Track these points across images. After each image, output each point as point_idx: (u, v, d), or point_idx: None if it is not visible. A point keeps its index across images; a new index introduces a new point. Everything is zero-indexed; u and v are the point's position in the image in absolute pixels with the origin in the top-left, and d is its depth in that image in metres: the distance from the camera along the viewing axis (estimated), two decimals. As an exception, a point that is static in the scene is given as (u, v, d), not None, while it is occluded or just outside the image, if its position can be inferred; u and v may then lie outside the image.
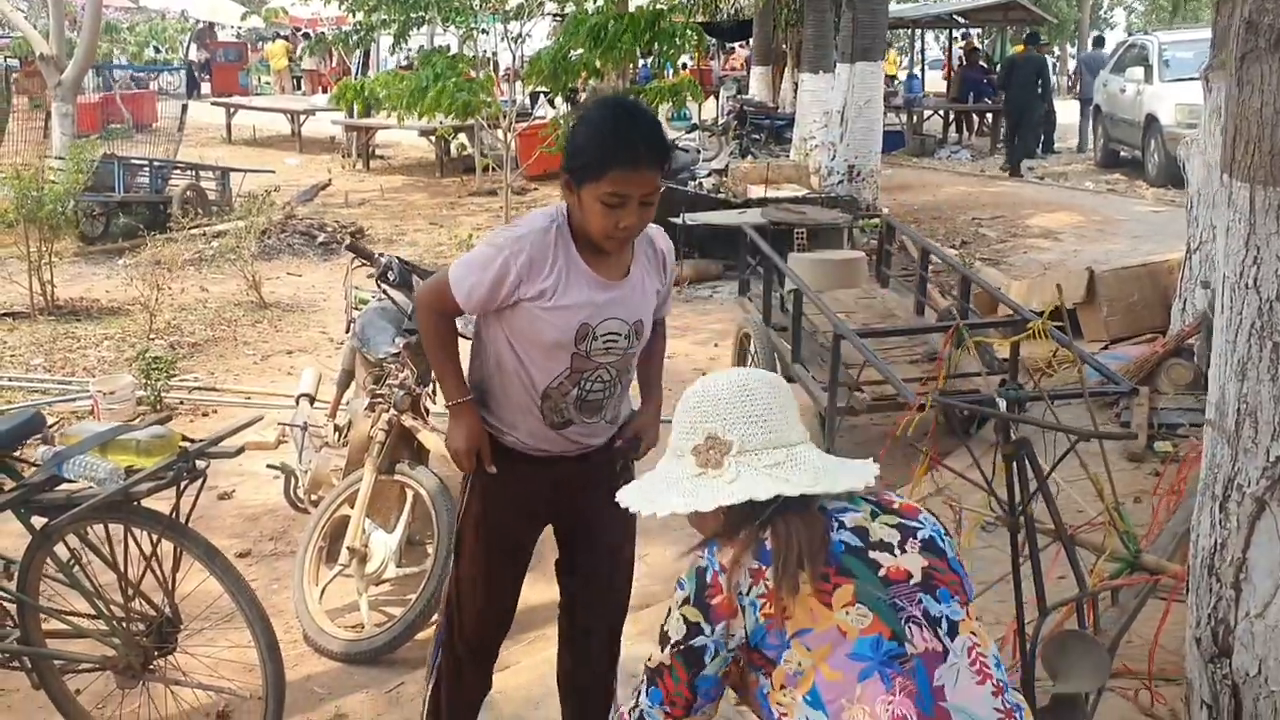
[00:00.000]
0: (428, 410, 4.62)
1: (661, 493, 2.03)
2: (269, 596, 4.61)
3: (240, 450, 3.39)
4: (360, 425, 4.69)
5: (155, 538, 3.28)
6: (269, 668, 3.33)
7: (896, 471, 4.80)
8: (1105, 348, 6.95)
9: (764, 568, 1.86)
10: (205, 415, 7.01)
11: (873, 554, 1.91)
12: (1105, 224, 12.12)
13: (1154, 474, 5.05)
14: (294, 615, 4.45)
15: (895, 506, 2.01)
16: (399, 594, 4.73)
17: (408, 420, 4.48)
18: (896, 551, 1.92)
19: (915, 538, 1.96)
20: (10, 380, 7.45)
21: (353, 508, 4.47)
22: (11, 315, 9.07)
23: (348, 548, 4.36)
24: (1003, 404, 3.02)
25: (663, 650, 1.93)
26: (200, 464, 3.24)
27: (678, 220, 9.52)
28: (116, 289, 9.86)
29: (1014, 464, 2.59)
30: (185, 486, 3.23)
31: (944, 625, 1.88)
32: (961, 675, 1.84)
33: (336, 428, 5.37)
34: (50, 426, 4.03)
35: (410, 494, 4.46)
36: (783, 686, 1.85)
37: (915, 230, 8.47)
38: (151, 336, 8.35)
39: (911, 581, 1.90)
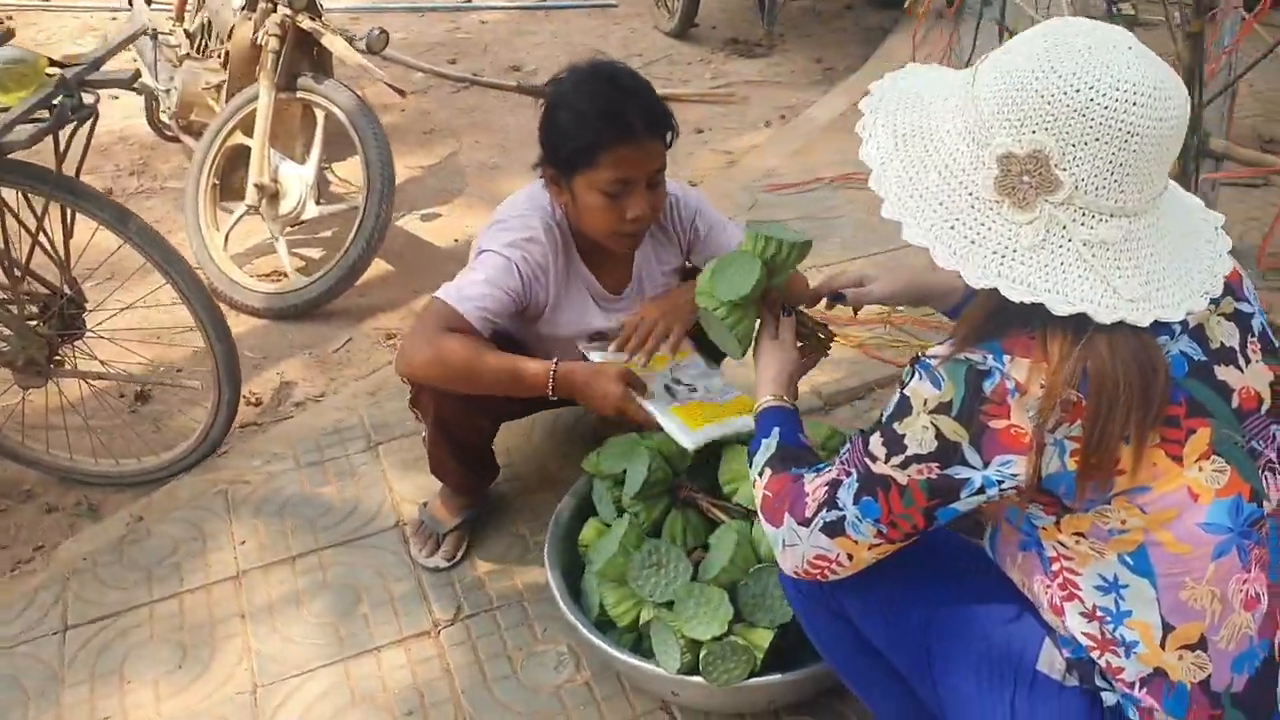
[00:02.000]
0: (322, 6, 3.71)
1: (920, 203, 1.31)
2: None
3: (135, 78, 2.54)
4: (241, 30, 3.75)
5: (42, 201, 2.48)
6: (218, 348, 2.70)
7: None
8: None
9: (1084, 401, 1.27)
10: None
11: (1219, 372, 1.35)
12: None
13: None
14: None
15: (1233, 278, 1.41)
16: (322, 237, 4.05)
17: (305, 21, 3.58)
18: (1241, 361, 1.37)
19: (1253, 332, 1.40)
20: None
21: (248, 136, 3.66)
22: None
23: (255, 185, 3.59)
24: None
25: (889, 458, 1.37)
26: (88, 98, 2.40)
27: None
28: None
29: None
30: (75, 130, 2.41)
31: None
32: None
33: (187, 34, 4.37)
34: None
35: (320, 114, 3.65)
36: (1080, 534, 1.37)
37: None
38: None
39: (1262, 408, 1.37)
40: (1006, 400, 1.28)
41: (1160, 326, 1.30)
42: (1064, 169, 1.24)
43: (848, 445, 1.47)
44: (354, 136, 3.54)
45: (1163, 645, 1.35)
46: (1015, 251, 1.27)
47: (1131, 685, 1.38)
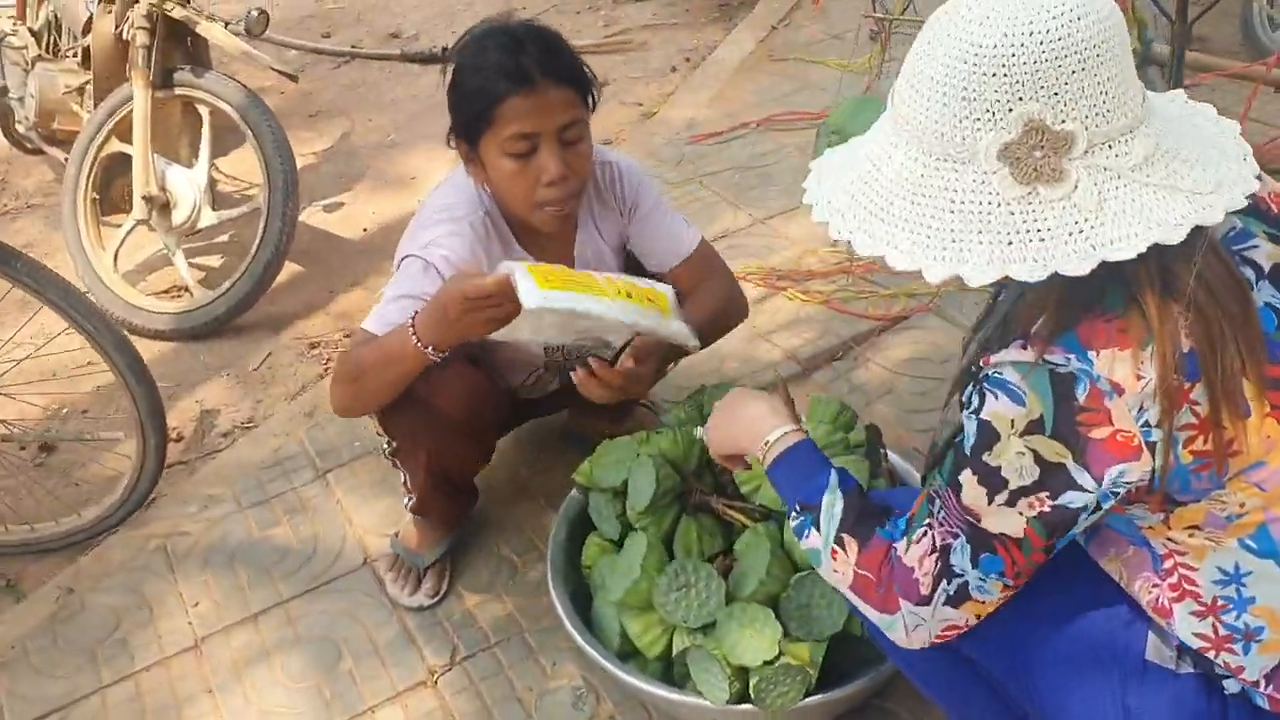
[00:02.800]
0: (190, -11, 3.35)
1: (963, 248, 1.14)
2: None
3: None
4: (102, 24, 3.37)
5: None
6: (138, 391, 2.39)
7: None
8: None
9: (1187, 384, 1.13)
10: None
11: None
12: None
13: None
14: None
15: (1270, 200, 1.28)
16: (219, 243, 3.71)
17: (175, 10, 3.22)
18: None
19: None
20: None
21: (126, 142, 3.30)
22: None
23: (142, 197, 3.24)
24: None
25: (991, 498, 1.20)
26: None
27: None
28: None
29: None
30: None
31: None
32: None
33: (33, 32, 3.95)
34: None
35: (205, 111, 3.31)
36: (1194, 527, 1.22)
37: None
38: None
39: None
40: (1104, 405, 1.13)
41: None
42: (1064, 120, 1.11)
43: (935, 500, 1.29)
44: (247, 132, 3.22)
45: None
46: (1088, 220, 1.12)
47: (1255, 683, 1.25)
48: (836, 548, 1.39)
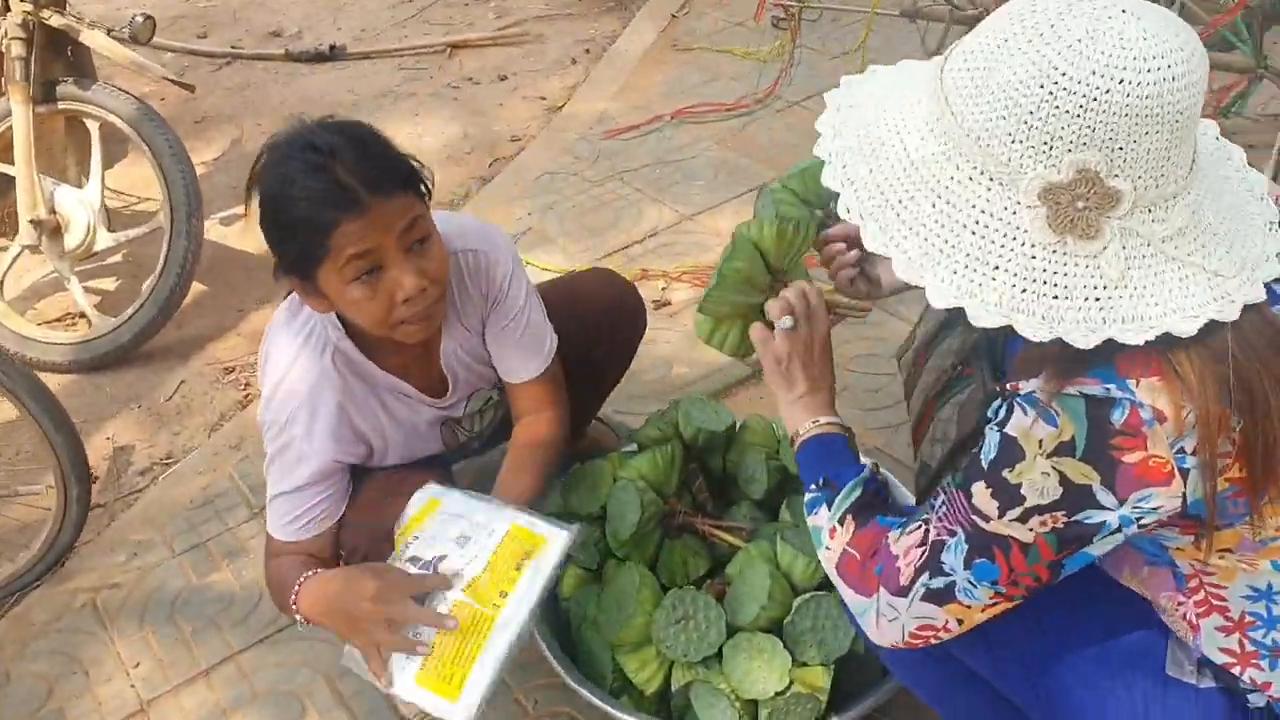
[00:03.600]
0: (66, -4, 3.12)
1: (972, 275, 1.09)
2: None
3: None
4: (-30, 37, 3.11)
5: None
6: (57, 440, 2.21)
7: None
8: None
9: (1228, 410, 1.09)
10: None
11: None
12: None
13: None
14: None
15: None
16: (113, 265, 3.48)
17: (53, 17, 3.00)
18: None
19: None
20: None
21: (6, 163, 3.06)
22: None
23: (30, 221, 3.01)
24: None
25: (1004, 512, 1.16)
26: None
27: None
28: None
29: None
30: None
31: None
32: None
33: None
34: None
35: (93, 126, 3.09)
36: (1225, 550, 1.19)
37: None
38: None
39: None
40: (1142, 430, 1.09)
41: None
42: (1118, 176, 1.05)
43: (941, 498, 1.24)
44: (142, 146, 3.02)
45: None
46: (1107, 289, 1.07)
47: None
48: (837, 525, 1.36)
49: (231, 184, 3.97)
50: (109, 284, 3.42)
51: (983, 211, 1.09)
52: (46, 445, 2.22)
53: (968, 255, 1.10)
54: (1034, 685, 1.38)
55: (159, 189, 3.03)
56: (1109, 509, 1.12)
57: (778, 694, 1.63)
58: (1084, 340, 1.06)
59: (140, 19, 3.14)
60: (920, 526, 1.26)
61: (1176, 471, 1.11)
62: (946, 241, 1.11)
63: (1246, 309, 1.11)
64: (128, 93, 3.07)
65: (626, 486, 1.84)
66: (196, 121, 4.42)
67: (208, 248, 3.52)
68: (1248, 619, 1.23)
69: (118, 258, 3.49)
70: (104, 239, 3.11)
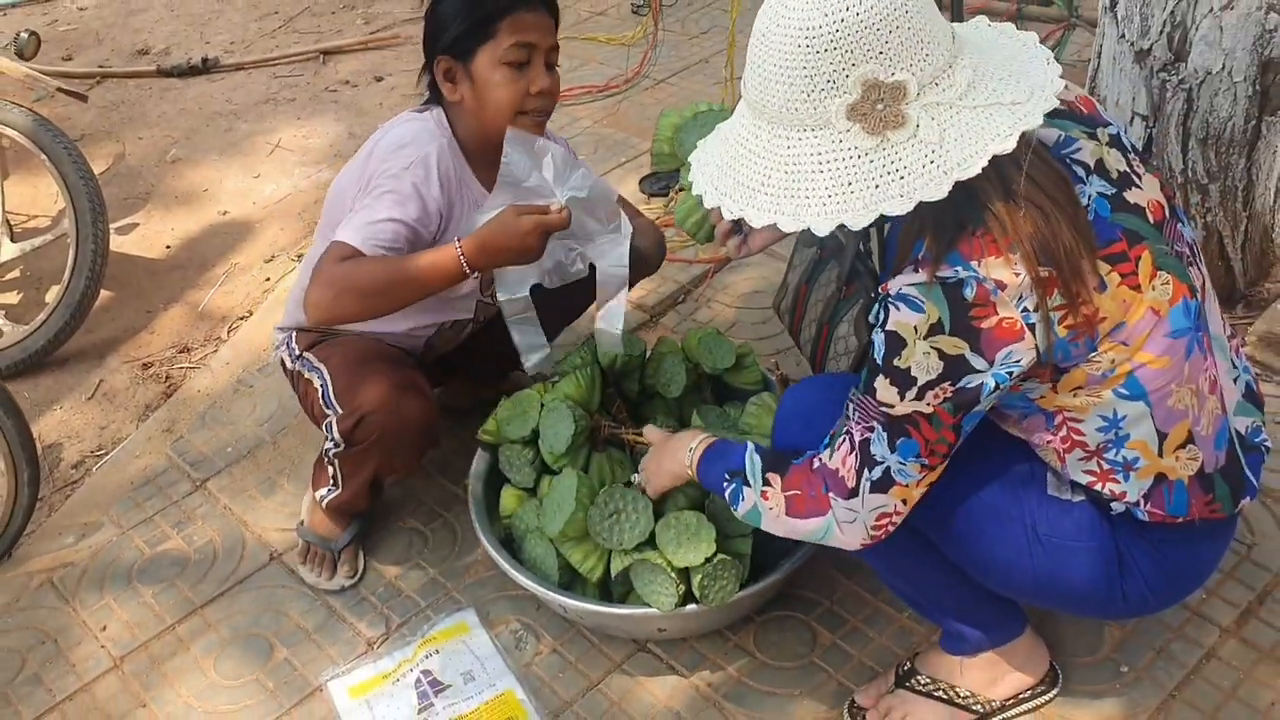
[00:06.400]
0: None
1: (840, 200, 1.33)
2: None
3: None
4: None
5: None
6: (5, 423, 2.32)
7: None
8: None
9: (1053, 273, 1.37)
10: None
11: (1130, 196, 1.46)
12: None
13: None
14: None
15: (1078, 104, 1.53)
16: (12, 279, 3.54)
17: (-58, 37, 3.07)
18: (1136, 180, 1.48)
19: (1126, 149, 1.52)
20: None
21: (-97, 181, 3.12)
22: None
23: (-66, 236, 3.08)
24: None
25: (904, 394, 1.41)
26: None
27: None
28: None
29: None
30: None
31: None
32: (1209, 299, 1.56)
33: None
34: None
35: (-11, 140, 3.17)
36: (1078, 388, 1.47)
37: None
38: None
39: (1166, 214, 1.49)
40: (990, 299, 1.36)
41: (1072, 173, 1.43)
42: (894, 72, 1.31)
43: (851, 406, 1.49)
44: (42, 157, 3.11)
45: (1160, 453, 1.50)
46: (935, 150, 1.31)
47: (1135, 504, 1.53)
48: (766, 488, 1.59)
49: (122, 196, 4.04)
50: (12, 297, 3.48)
51: (820, 155, 1.34)
52: (-5, 433, 2.32)
53: (825, 188, 1.34)
54: (950, 528, 1.64)
55: (61, 196, 3.12)
56: (981, 371, 1.38)
57: (707, 560, 1.87)
58: (938, 192, 1.30)
59: (25, 35, 3.23)
60: (844, 439, 1.50)
61: (1025, 327, 1.37)
62: (807, 189, 1.35)
63: (1034, 158, 1.37)
64: (21, 106, 3.15)
65: (558, 406, 2.06)
66: (76, 140, 4.46)
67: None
68: (1102, 446, 1.51)
69: (15, 272, 3.55)
70: (8, 250, 3.19)
